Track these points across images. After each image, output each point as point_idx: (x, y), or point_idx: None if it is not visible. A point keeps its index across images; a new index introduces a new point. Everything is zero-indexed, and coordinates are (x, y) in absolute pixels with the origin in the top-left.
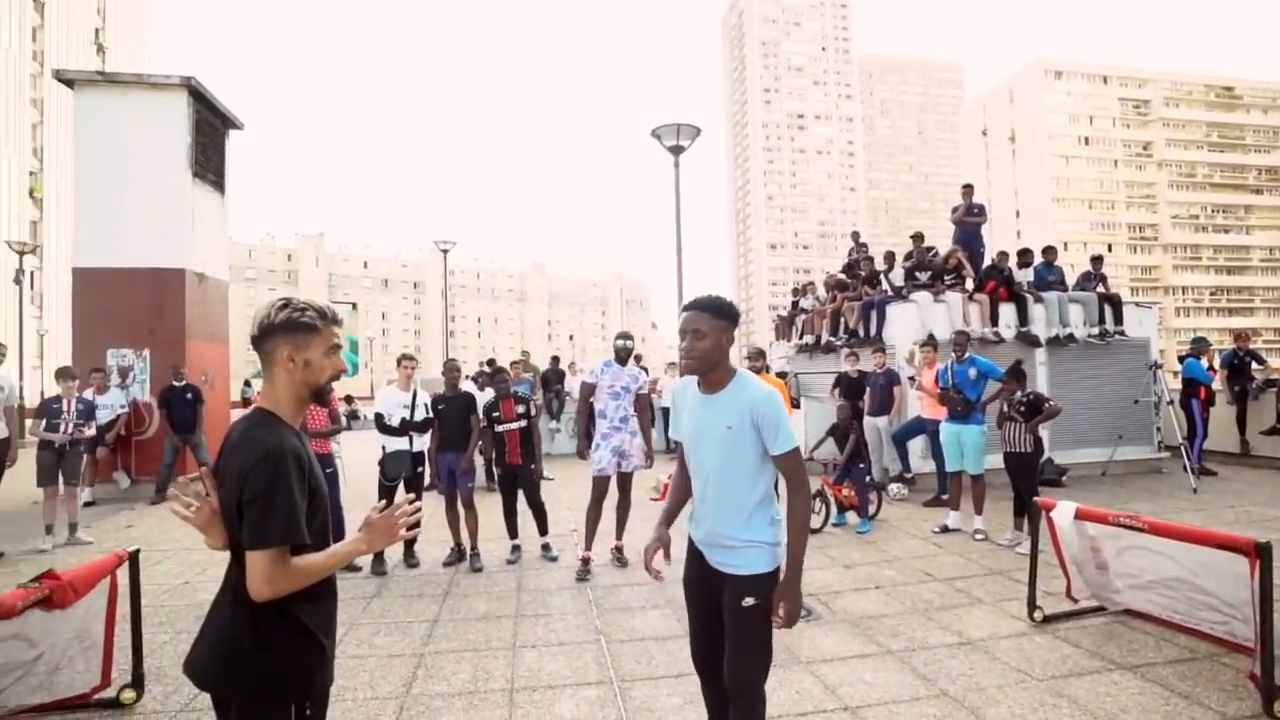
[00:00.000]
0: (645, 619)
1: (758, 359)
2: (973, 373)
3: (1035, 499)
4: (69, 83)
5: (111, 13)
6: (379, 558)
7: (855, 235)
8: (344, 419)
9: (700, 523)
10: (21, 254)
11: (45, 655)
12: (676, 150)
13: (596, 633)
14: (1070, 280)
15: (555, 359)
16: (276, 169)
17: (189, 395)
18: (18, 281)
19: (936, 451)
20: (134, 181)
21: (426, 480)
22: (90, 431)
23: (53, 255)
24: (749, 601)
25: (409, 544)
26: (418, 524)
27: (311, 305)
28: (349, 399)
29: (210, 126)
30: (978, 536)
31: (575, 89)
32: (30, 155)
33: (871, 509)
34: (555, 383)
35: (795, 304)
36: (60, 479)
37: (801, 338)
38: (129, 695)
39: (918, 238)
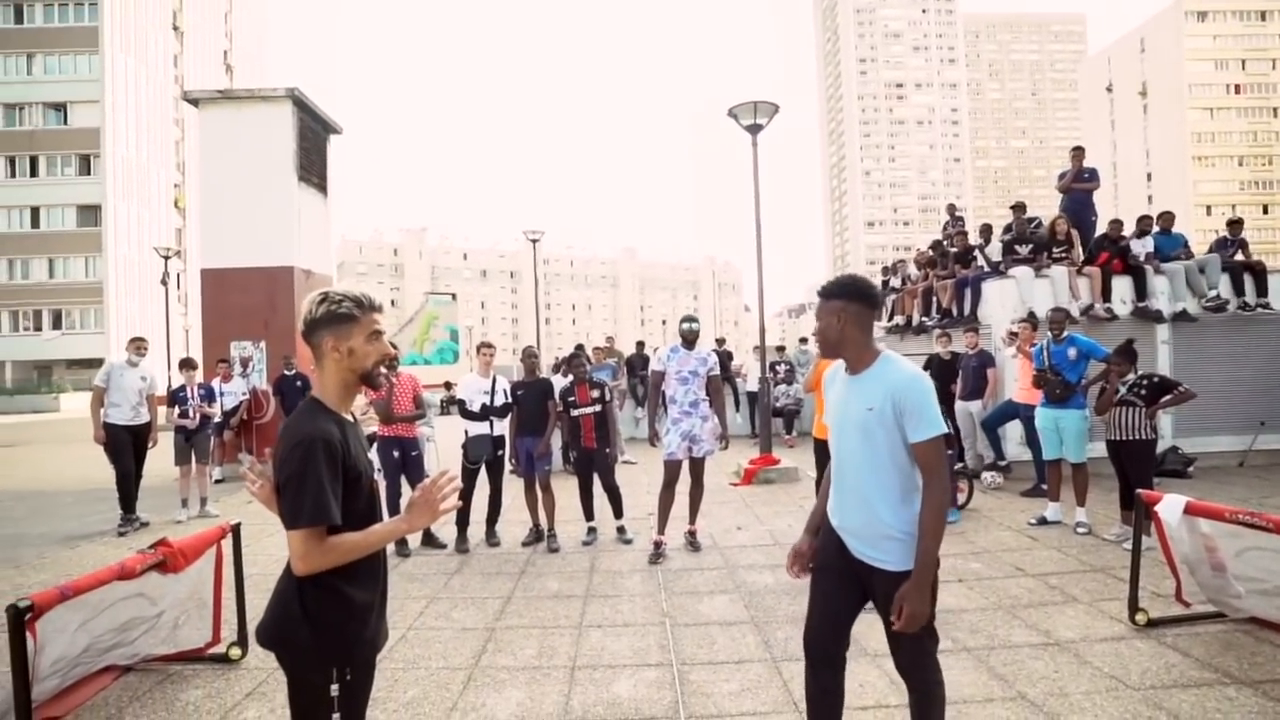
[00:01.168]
0: (712, 604)
1: None
2: (1072, 353)
3: (1139, 490)
4: (194, 102)
5: (237, 35)
6: (462, 536)
7: (951, 208)
8: (438, 404)
9: (840, 510)
10: (166, 258)
11: (166, 613)
12: (754, 129)
13: (662, 615)
14: (1203, 248)
15: (640, 344)
16: (385, 169)
17: (299, 383)
18: (164, 283)
19: (1031, 439)
20: (248, 187)
21: (506, 463)
22: (215, 413)
23: (193, 258)
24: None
25: (490, 524)
26: (462, 499)
27: (349, 295)
28: (448, 385)
29: (313, 133)
30: (1080, 530)
31: (666, 72)
32: (174, 169)
33: (961, 498)
34: (640, 368)
35: (885, 283)
36: (192, 459)
37: (891, 319)
38: (235, 652)
39: (1018, 208)
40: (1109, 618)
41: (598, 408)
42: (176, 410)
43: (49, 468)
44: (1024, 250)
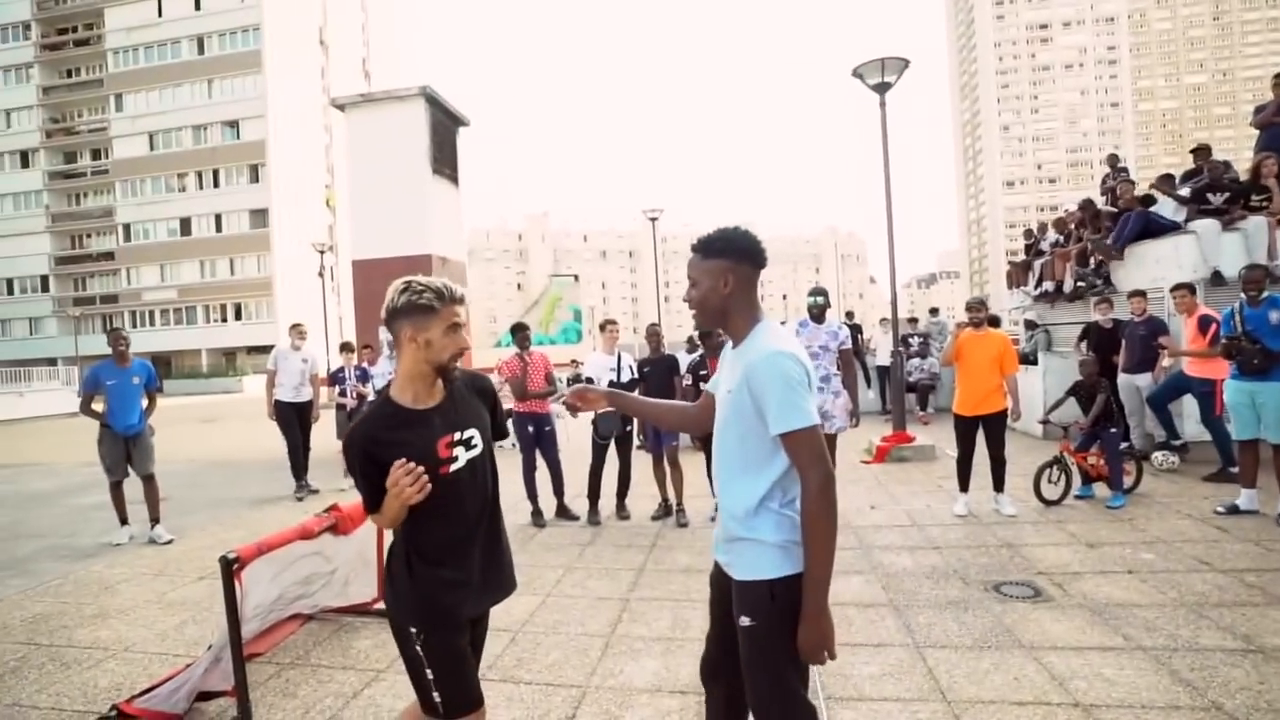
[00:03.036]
0: (848, 584)
1: (978, 309)
2: (1274, 316)
3: None
4: (341, 107)
5: (373, 43)
6: (594, 509)
7: (1113, 159)
8: (566, 381)
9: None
10: (322, 252)
11: (339, 570)
12: (882, 88)
13: None
14: None
15: (850, 314)
16: (508, 156)
17: None
18: (321, 275)
19: (1208, 416)
20: (388, 182)
21: (635, 439)
22: (369, 392)
23: (342, 251)
24: (745, 622)
25: (620, 498)
26: (593, 474)
27: (430, 287)
28: (574, 362)
29: (443, 126)
30: None
31: (783, 39)
32: (324, 171)
33: (1127, 481)
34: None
35: (1030, 246)
36: None
37: (1039, 285)
38: None
39: (1201, 150)
40: None
41: None
42: (337, 389)
43: (236, 441)
44: (1217, 199)
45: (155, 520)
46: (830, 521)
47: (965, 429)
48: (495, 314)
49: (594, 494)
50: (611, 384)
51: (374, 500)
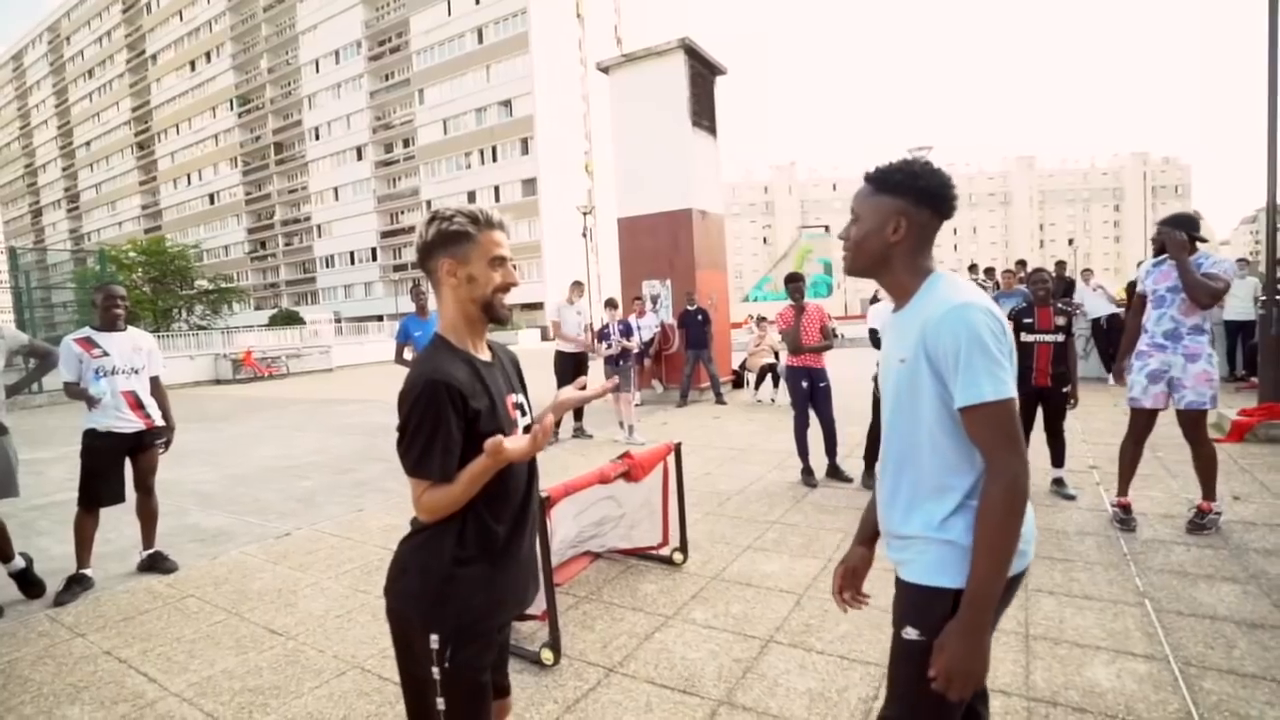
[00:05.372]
0: (1215, 593)
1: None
2: None
3: None
4: (605, 70)
5: (624, 9)
6: (870, 471)
7: None
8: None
9: (881, 501)
10: (585, 214)
11: (627, 514)
12: None
13: (1140, 595)
14: None
15: (1060, 264)
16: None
17: (700, 317)
18: (584, 235)
19: None
20: (650, 138)
21: None
22: (632, 345)
23: (602, 213)
24: (910, 634)
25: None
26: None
27: (461, 211)
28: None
29: (701, 78)
30: None
31: None
32: (583, 139)
33: None
34: (1062, 295)
35: None
36: (621, 387)
37: None
38: (678, 557)
39: None
40: None
41: (1060, 337)
42: (603, 345)
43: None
44: None
45: None
46: (1019, 522)
47: None
48: (741, 269)
49: (872, 456)
50: None
51: (447, 464)
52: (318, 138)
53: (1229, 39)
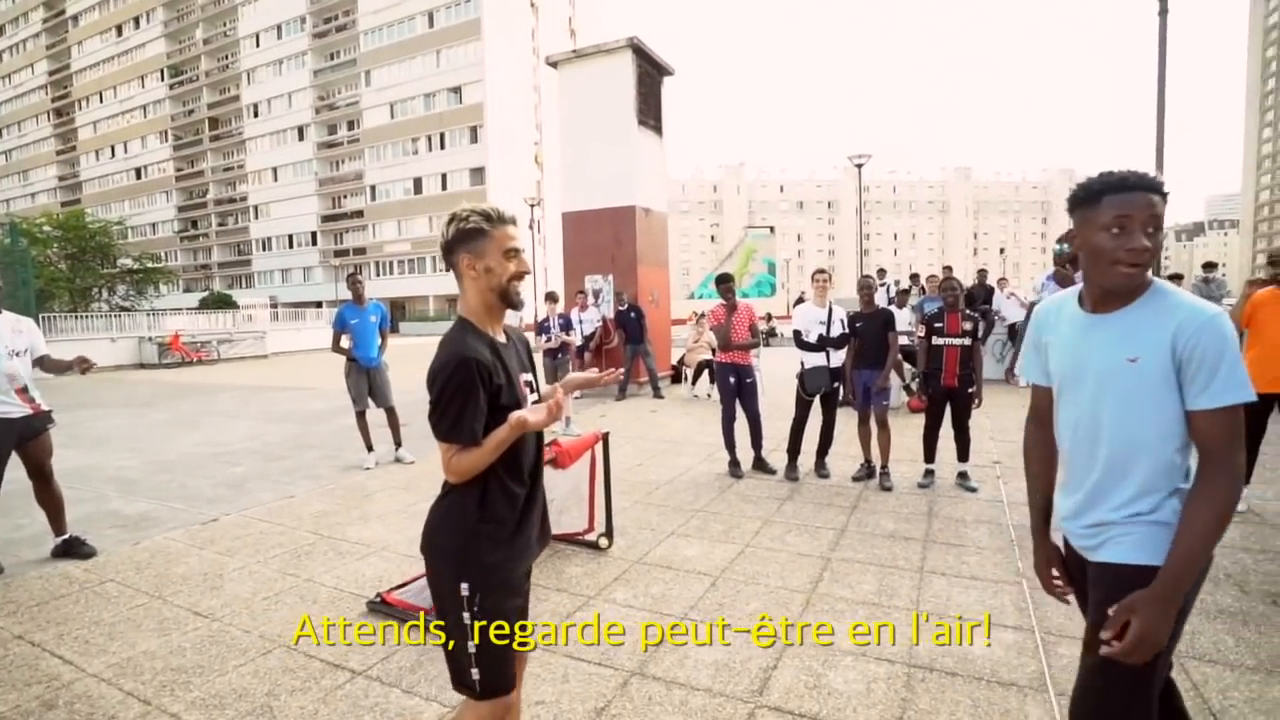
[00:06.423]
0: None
1: None
2: None
3: None
4: (554, 64)
5: (579, 2)
6: (793, 464)
7: None
8: (762, 335)
9: (1068, 492)
10: (533, 206)
11: (556, 500)
12: None
13: (1018, 574)
14: None
15: (982, 273)
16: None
17: (633, 315)
18: (531, 227)
19: None
20: (596, 135)
21: (841, 396)
22: (573, 339)
23: (549, 205)
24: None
25: (821, 455)
26: (795, 431)
27: (476, 210)
28: (768, 316)
29: (649, 77)
30: None
31: None
32: (534, 129)
33: None
34: (981, 300)
35: None
36: (556, 379)
37: None
38: (604, 542)
39: None
40: None
41: (967, 341)
42: (543, 338)
43: None
44: None
45: (398, 444)
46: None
47: (1256, 409)
48: (689, 266)
49: (794, 449)
50: (821, 338)
51: (475, 430)
52: (256, 115)
53: (1150, 68)
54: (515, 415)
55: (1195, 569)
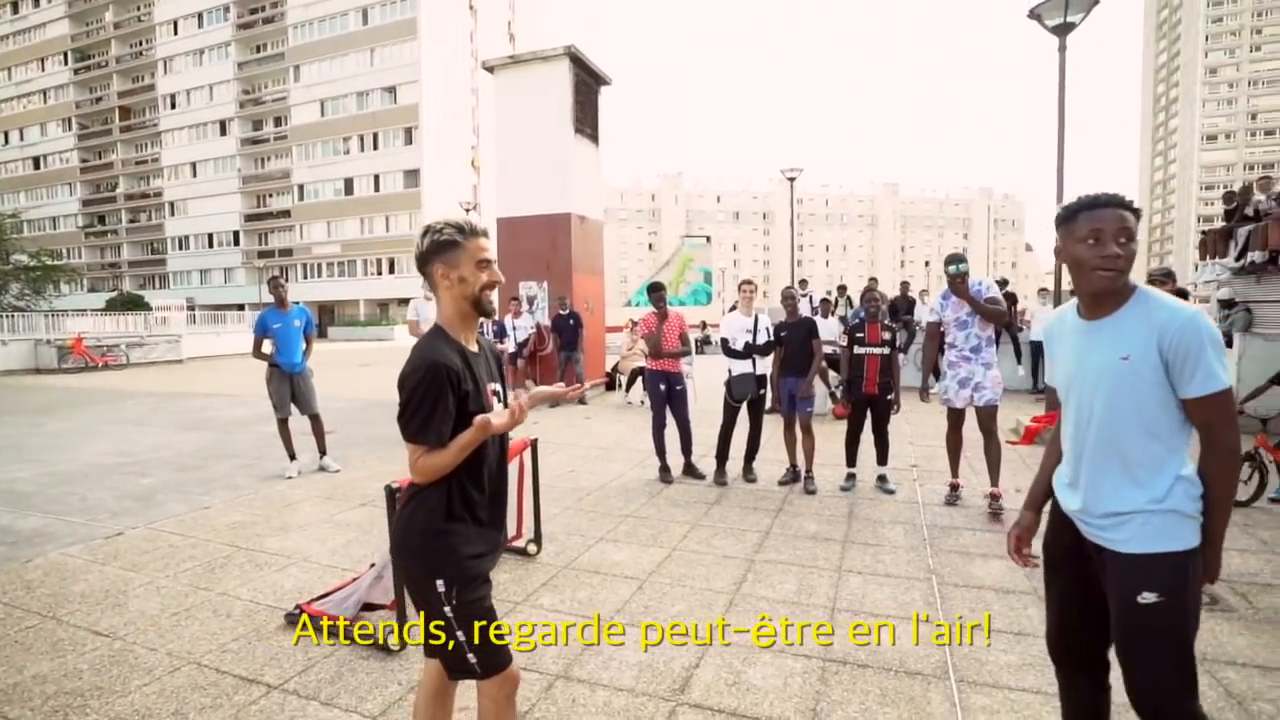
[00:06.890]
0: (986, 568)
1: (1163, 281)
2: None
3: None
4: (490, 69)
5: (518, 5)
6: (721, 469)
7: None
8: (694, 343)
9: (1072, 485)
10: (468, 210)
11: None
12: (1064, 30)
13: (929, 571)
14: None
15: (905, 285)
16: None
17: (571, 320)
18: None
19: None
20: (532, 141)
21: (768, 403)
22: (507, 347)
23: (486, 210)
24: (1148, 598)
25: (748, 460)
26: (723, 436)
27: (450, 223)
28: (703, 324)
29: (586, 86)
30: None
31: None
32: (471, 133)
33: None
34: (904, 311)
35: (1233, 211)
36: None
37: (1245, 255)
38: (532, 548)
39: None
40: None
41: (886, 350)
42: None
43: (390, 383)
44: None
45: (323, 452)
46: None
47: None
48: (626, 274)
49: (722, 455)
50: (747, 345)
51: (442, 431)
52: (174, 106)
53: (1071, 92)
54: (479, 418)
55: (1224, 531)
